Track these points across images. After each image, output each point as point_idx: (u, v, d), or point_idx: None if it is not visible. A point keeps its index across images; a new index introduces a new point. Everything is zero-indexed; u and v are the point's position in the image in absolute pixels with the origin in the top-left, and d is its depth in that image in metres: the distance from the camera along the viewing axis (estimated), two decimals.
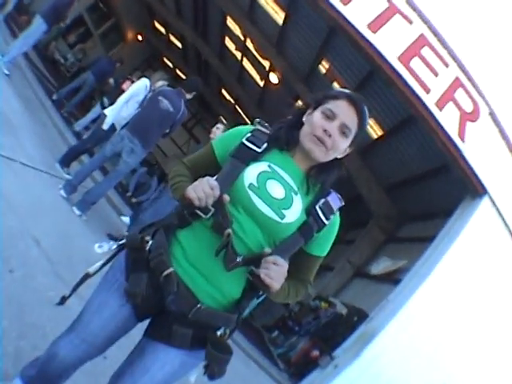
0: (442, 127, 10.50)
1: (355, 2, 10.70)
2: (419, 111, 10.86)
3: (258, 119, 2.44)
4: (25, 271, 4.25)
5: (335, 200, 2.33)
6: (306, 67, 16.36)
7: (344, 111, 2.24)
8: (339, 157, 2.39)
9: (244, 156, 2.19)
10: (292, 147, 2.34)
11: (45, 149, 8.60)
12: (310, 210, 2.22)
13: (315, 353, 11.40)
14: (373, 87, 13.68)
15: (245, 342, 10.71)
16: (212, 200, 1.99)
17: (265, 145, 2.25)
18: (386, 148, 15.39)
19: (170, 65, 32.13)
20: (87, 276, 2.27)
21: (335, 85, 15.51)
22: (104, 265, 2.29)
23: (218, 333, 2.11)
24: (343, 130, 2.25)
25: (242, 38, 19.78)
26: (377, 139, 15.49)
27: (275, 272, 1.98)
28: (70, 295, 2.33)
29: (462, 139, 10.39)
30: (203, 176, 2.14)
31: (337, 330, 11.95)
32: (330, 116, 2.24)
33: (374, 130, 15.42)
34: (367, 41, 10.73)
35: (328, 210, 2.25)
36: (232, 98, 26.77)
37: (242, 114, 27.18)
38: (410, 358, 9.68)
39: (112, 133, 8.45)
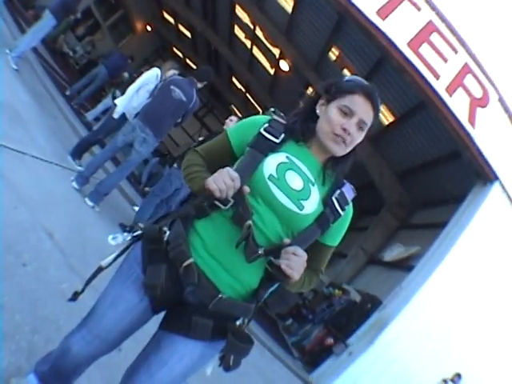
0: (452, 113, 10.51)
1: None
2: (429, 97, 10.85)
3: (272, 108, 2.44)
4: (38, 264, 4.24)
5: (349, 191, 2.35)
6: (316, 54, 16.31)
7: (361, 107, 2.24)
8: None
9: (263, 147, 2.19)
10: (308, 139, 2.34)
11: (56, 141, 8.59)
12: (326, 201, 2.24)
13: (329, 340, 11.43)
14: (383, 74, 13.62)
15: (259, 330, 10.73)
16: (233, 191, 2.00)
17: (282, 135, 2.25)
18: (398, 134, 15.35)
19: (180, 55, 32.02)
20: (100, 269, 2.25)
21: (345, 72, 15.45)
22: (118, 257, 2.26)
23: (238, 323, 2.13)
24: (361, 125, 2.26)
25: (252, 27, 19.69)
26: (388, 126, 15.43)
27: (296, 263, 1.99)
28: (82, 290, 2.28)
29: (473, 125, 10.39)
30: (218, 165, 2.16)
31: (351, 318, 11.97)
32: (347, 113, 2.23)
33: (386, 117, 15.35)
34: (377, 27, 10.73)
35: (343, 201, 2.27)
36: (243, 86, 26.71)
37: (253, 102, 27.13)
38: (423, 344, 9.71)
39: (123, 123, 8.39)
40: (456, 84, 10.54)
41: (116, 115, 8.65)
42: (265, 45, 19.99)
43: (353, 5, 10.82)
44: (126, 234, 2.24)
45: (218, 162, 2.24)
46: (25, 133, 7.02)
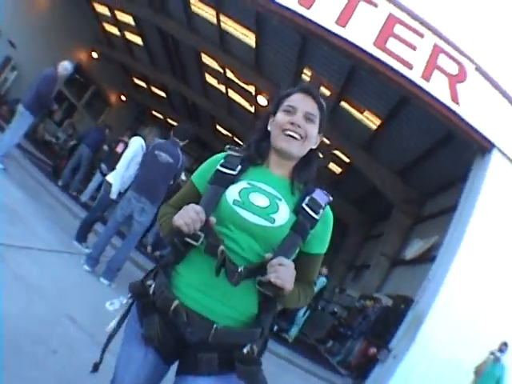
0: (434, 98, 10.55)
1: (317, 2, 10.83)
2: (408, 89, 10.94)
3: (228, 145, 2.46)
4: (67, 349, 4.27)
5: (321, 196, 2.27)
6: (290, 80, 16.40)
7: (302, 102, 2.25)
8: (314, 147, 2.35)
9: (222, 181, 2.20)
10: (265, 158, 2.34)
11: (58, 229, 8.62)
12: (298, 209, 2.19)
13: (372, 350, 11.33)
14: (359, 80, 13.78)
15: (301, 359, 10.64)
16: (199, 224, 2.00)
17: (239, 167, 2.25)
18: (388, 135, 15.44)
19: (160, 116, 32.49)
20: (111, 336, 2.29)
21: (323, 89, 15.59)
22: (121, 320, 2.29)
23: (245, 350, 2.04)
24: (308, 117, 2.24)
25: (222, 71, 19.99)
26: (376, 130, 15.53)
27: (284, 272, 1.95)
28: (100, 360, 2.31)
29: (457, 102, 10.41)
30: None
31: (387, 323, 11.86)
32: (291, 111, 2.24)
33: (372, 121, 15.50)
34: (339, 36, 10.87)
35: (315, 206, 2.21)
36: (228, 131, 27.01)
37: (241, 144, 27.34)
38: (461, 328, 9.60)
39: (119, 197, 8.47)
40: (430, 68, 10.56)
41: (114, 196, 8.59)
42: (238, 85, 20.26)
43: (311, 21, 10.96)
44: (121, 297, 2.26)
45: None
46: (26, 228, 7.06)
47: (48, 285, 5.55)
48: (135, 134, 9.46)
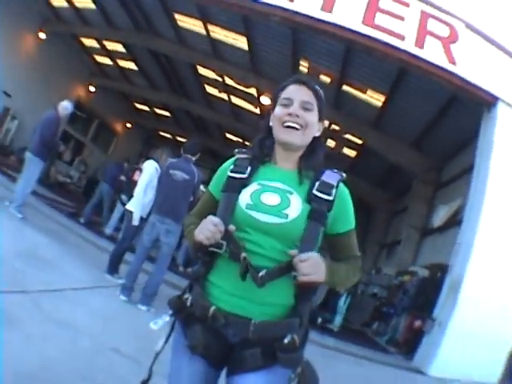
0: (431, 63, 10.54)
1: None
2: (404, 60, 10.95)
3: (236, 150, 2.48)
4: (115, 381, 4.34)
5: (331, 176, 2.30)
6: (289, 75, 16.33)
7: (297, 92, 2.28)
8: (317, 135, 2.39)
9: (234, 187, 2.27)
10: (271, 155, 2.39)
11: (88, 266, 8.69)
12: (310, 197, 2.22)
13: (417, 323, 11.30)
14: (356, 60, 13.78)
15: (350, 346, 10.64)
16: (219, 235, 2.08)
17: (249, 169, 2.31)
18: (394, 109, 15.44)
19: (169, 136, 32.57)
20: (157, 354, 2.33)
21: (322, 78, 15.62)
22: (168, 337, 2.34)
23: (285, 341, 2.07)
24: (304, 106, 2.27)
25: (220, 79, 20.07)
26: (382, 106, 15.52)
27: (307, 268, 2.01)
28: (148, 378, 2.36)
29: (454, 63, 10.37)
30: None
31: (428, 293, 11.78)
32: (287, 103, 2.27)
33: (376, 99, 15.49)
34: (327, 22, 10.90)
35: (327, 188, 2.25)
36: (238, 136, 26.98)
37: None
38: (497, 290, 9.60)
39: (143, 223, 8.56)
40: (422, 35, 10.54)
41: (136, 222, 8.60)
42: (239, 90, 20.33)
43: (297, 13, 11.04)
44: (164, 315, 2.32)
45: (211, 214, 2.27)
46: (57, 271, 7.15)
47: (88, 321, 5.63)
48: (148, 158, 9.48)
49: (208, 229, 2.07)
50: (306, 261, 2.00)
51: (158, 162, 8.99)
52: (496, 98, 10.46)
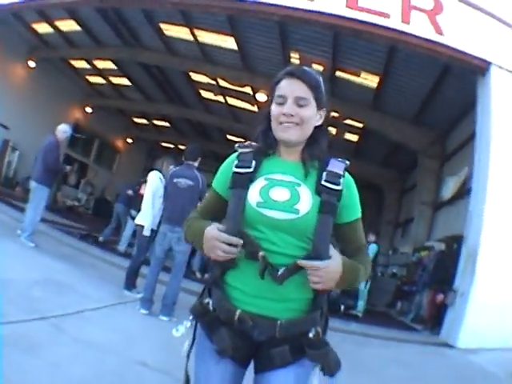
0: (419, 37, 10.56)
1: None
2: (393, 38, 11.04)
3: (236, 144, 2.42)
4: None
5: (337, 165, 2.29)
6: (281, 69, 16.27)
7: (288, 88, 2.21)
8: (318, 124, 2.34)
9: (242, 182, 2.24)
10: (275, 147, 2.35)
11: (106, 285, 8.79)
12: (319, 189, 2.21)
13: (440, 297, 11.25)
14: (346, 45, 13.79)
15: (376, 329, 10.62)
16: (236, 251, 2.09)
17: (253, 162, 2.28)
18: (390, 88, 15.46)
19: (171, 145, 32.56)
20: (187, 358, 2.33)
21: (315, 66, 15.62)
22: (192, 343, 2.35)
23: (311, 335, 2.14)
24: (298, 102, 2.21)
25: (214, 82, 20.07)
26: (378, 87, 15.53)
27: (318, 277, 2.03)
28: (187, 379, 2.36)
29: (441, 33, 10.37)
30: (219, 216, 2.33)
31: (446, 266, 11.77)
32: (281, 101, 2.22)
33: (371, 80, 15.47)
34: (311, 11, 10.96)
35: (335, 178, 2.24)
36: (239, 137, 26.91)
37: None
38: None
39: (153, 234, 8.56)
40: (407, 10, 10.53)
41: (147, 232, 8.62)
42: (235, 90, 20.32)
43: (280, 6, 11.13)
44: (185, 322, 2.32)
45: (219, 214, 2.35)
46: (75, 294, 7.21)
47: (111, 339, 5.66)
48: (151, 170, 9.49)
49: (220, 249, 2.07)
50: (315, 269, 2.02)
51: (161, 171, 9.03)
52: (488, 63, 10.41)
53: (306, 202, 2.15)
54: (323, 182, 2.19)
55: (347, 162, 2.31)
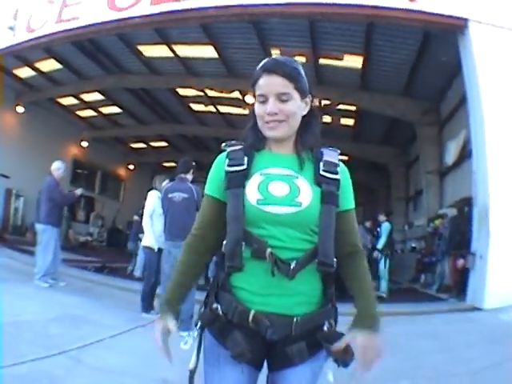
0: (393, 8, 10.63)
1: None
2: (367, 15, 11.13)
3: (223, 144, 2.34)
4: None
5: (331, 154, 2.27)
6: None
7: (268, 85, 2.16)
8: (305, 113, 2.28)
9: (236, 181, 2.17)
10: (265, 142, 2.29)
11: (123, 311, 8.78)
12: (318, 180, 2.18)
13: (460, 263, 11.16)
14: (322, 32, 13.82)
15: (404, 306, 10.52)
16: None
17: (245, 158, 2.22)
18: (375, 65, 15.46)
19: (173, 164, 32.48)
20: (192, 373, 2.29)
21: (299, 59, 15.59)
22: (198, 353, 2.31)
23: (325, 328, 2.13)
24: (280, 98, 2.16)
25: (202, 94, 20.16)
26: (363, 67, 15.51)
27: (368, 361, 2.04)
28: None
29: (413, 0, 10.38)
30: (219, 224, 2.23)
31: (462, 230, 11.73)
32: (263, 100, 2.17)
33: (355, 61, 15.44)
34: (281, 5, 11.13)
35: (332, 167, 2.21)
36: None
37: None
38: None
39: (160, 253, 8.58)
40: None
41: (155, 246, 8.66)
42: (224, 97, 20.41)
43: (245, 6, 11.30)
44: (190, 332, 2.29)
45: (218, 221, 2.26)
46: (92, 324, 7.23)
47: (131, 362, 5.64)
48: (148, 190, 9.52)
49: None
50: (366, 351, 2.02)
51: (159, 190, 9.05)
52: (465, 20, 10.30)
53: (307, 193, 2.12)
54: (322, 173, 2.17)
55: (339, 151, 2.28)
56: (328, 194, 2.13)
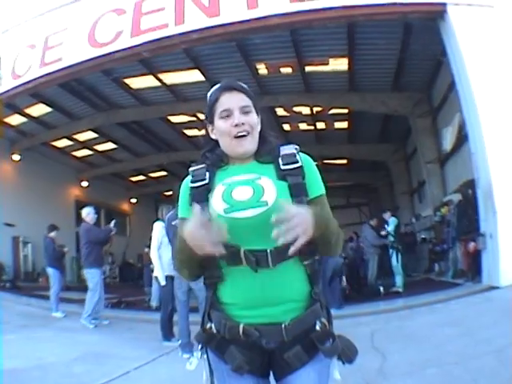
0: (369, 5, 10.78)
1: (221, 6, 11.50)
2: (346, 15, 11.30)
3: (189, 168, 2.39)
4: None
5: (287, 147, 2.32)
6: (255, 84, 16.32)
7: (230, 100, 2.24)
8: (259, 129, 2.35)
9: (200, 195, 2.24)
10: (226, 159, 2.34)
11: (145, 342, 8.82)
12: (281, 174, 2.23)
13: (471, 246, 11.14)
14: (304, 39, 13.98)
15: (421, 298, 10.56)
16: (219, 235, 1.96)
17: (207, 174, 2.29)
18: (361, 65, 15.54)
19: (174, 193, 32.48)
20: None
21: (285, 70, 15.72)
22: (210, 371, 2.35)
23: (317, 328, 2.16)
24: (244, 110, 2.25)
25: (194, 118, 20.10)
26: (349, 68, 15.65)
27: (299, 224, 1.91)
28: None
29: None
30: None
31: (469, 214, 11.76)
32: (227, 114, 2.24)
33: (341, 64, 15.56)
34: (258, 18, 11.30)
35: (290, 158, 2.26)
36: None
37: None
38: None
39: (172, 281, 8.59)
40: None
41: (163, 282, 8.70)
42: None
43: (225, 25, 11.48)
44: (195, 353, 2.32)
45: None
46: (115, 360, 7.23)
47: None
48: (154, 221, 9.58)
49: (205, 240, 1.94)
50: (289, 215, 1.90)
51: (163, 220, 9.08)
52: (443, 4, 10.38)
53: (272, 191, 2.15)
54: (283, 167, 2.21)
55: (297, 146, 2.32)
56: (295, 186, 2.18)
